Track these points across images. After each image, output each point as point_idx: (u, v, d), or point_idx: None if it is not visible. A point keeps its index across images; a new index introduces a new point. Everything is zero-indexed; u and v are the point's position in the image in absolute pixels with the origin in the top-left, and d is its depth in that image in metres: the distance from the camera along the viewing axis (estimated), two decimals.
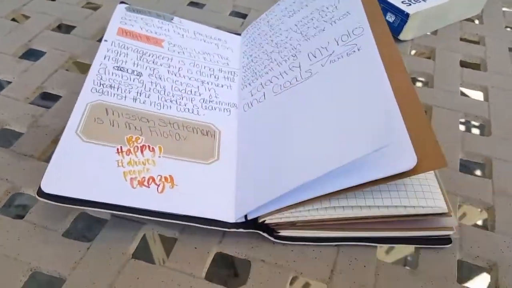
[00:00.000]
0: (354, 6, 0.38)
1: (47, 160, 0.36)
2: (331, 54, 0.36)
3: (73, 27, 0.50)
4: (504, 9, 0.60)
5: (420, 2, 0.50)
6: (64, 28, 0.52)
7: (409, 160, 0.27)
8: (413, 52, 0.53)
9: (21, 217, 0.32)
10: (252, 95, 0.39)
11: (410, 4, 0.50)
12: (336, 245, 0.32)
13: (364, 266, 0.31)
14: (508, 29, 0.56)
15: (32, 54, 0.47)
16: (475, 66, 0.50)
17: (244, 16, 0.55)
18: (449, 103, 0.44)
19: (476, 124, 0.44)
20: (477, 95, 0.46)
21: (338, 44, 0.36)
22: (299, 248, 0.32)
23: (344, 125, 0.31)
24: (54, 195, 0.29)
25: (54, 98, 0.42)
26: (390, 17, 0.50)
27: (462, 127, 0.43)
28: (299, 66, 0.38)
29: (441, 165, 0.28)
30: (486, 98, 0.46)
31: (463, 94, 0.46)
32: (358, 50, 0.34)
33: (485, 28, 0.56)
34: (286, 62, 0.39)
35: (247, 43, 0.46)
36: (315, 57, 0.37)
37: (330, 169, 0.28)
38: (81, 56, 0.46)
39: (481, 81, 0.47)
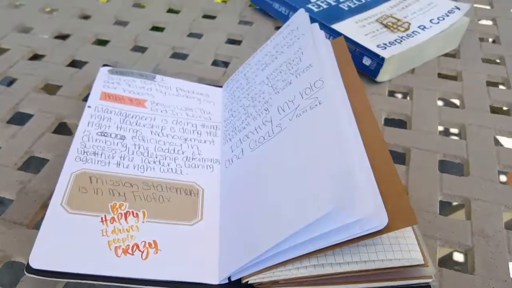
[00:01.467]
0: (315, 58, 0.39)
1: (36, 227, 0.37)
2: (296, 108, 0.37)
3: (59, 86, 0.51)
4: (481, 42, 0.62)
5: (395, 44, 0.52)
6: (51, 87, 0.53)
7: (381, 220, 0.28)
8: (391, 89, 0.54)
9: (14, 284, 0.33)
10: (232, 151, 0.40)
11: (385, 48, 0.51)
12: None
13: None
14: (485, 63, 0.58)
15: (19, 118, 0.48)
16: (454, 103, 0.52)
17: (226, 64, 0.56)
18: (428, 144, 0.45)
19: (456, 162, 0.45)
20: (456, 134, 0.47)
21: (302, 98, 0.37)
22: None
23: (307, 185, 0.31)
24: (42, 270, 0.30)
25: (42, 161, 0.43)
26: (367, 61, 0.52)
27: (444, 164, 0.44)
28: (271, 121, 0.39)
29: (411, 223, 0.28)
30: (464, 136, 0.46)
31: (441, 133, 0.47)
32: (320, 103, 0.35)
33: (462, 63, 0.57)
34: (260, 116, 0.40)
35: (227, 96, 0.47)
36: (284, 111, 0.38)
37: (290, 233, 0.28)
38: (67, 117, 0.47)
39: (459, 119, 0.48)
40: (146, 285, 0.31)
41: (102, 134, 0.40)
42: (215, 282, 0.32)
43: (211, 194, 0.38)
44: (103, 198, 0.35)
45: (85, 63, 0.55)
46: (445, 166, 0.44)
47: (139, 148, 0.40)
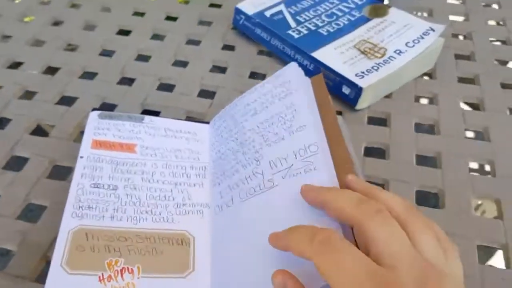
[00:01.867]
0: (310, 119, 0.40)
1: (38, 280, 0.39)
2: (290, 167, 0.38)
3: (52, 126, 0.53)
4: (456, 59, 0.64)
5: (372, 72, 0.54)
6: (43, 127, 0.55)
7: None
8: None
9: None
10: (221, 197, 0.42)
11: (363, 77, 0.53)
12: None
13: None
14: (461, 82, 0.60)
15: (14, 162, 0.50)
16: (430, 128, 0.54)
17: (212, 95, 0.58)
18: (405, 175, 0.48)
19: (432, 192, 0.48)
20: (432, 161, 0.50)
21: (296, 158, 0.38)
22: None
23: None
24: None
25: (39, 207, 0.45)
26: (346, 90, 0.54)
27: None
28: (262, 173, 0.40)
29: None
30: (439, 165, 0.49)
31: (418, 163, 0.49)
32: (314, 169, 0.36)
33: (438, 84, 0.59)
34: (250, 165, 0.42)
35: (215, 135, 0.49)
36: (276, 166, 0.39)
37: None
38: (59, 160, 0.49)
39: (434, 147, 0.51)
40: None
41: (95, 186, 0.42)
42: None
43: (202, 242, 0.40)
44: (99, 255, 0.37)
45: (75, 99, 0.57)
46: (422, 198, 0.46)
47: (131, 198, 0.42)
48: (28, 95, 0.58)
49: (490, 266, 0.41)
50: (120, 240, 0.38)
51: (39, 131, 0.54)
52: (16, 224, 0.43)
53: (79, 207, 0.40)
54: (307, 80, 0.45)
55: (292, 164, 0.38)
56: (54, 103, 0.56)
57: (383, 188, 0.46)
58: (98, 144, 0.45)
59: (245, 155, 0.43)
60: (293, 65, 0.47)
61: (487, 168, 0.50)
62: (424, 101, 0.59)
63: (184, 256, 0.39)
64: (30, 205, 0.46)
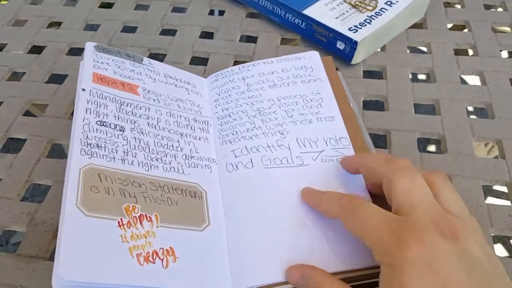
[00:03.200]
0: (337, 112, 0.44)
1: (52, 258, 0.39)
2: (321, 152, 0.41)
3: (45, 105, 0.52)
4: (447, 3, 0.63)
5: (365, 25, 0.54)
6: (36, 107, 0.54)
7: None
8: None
9: None
10: (236, 157, 0.42)
11: (356, 30, 0.53)
12: None
13: None
14: (452, 30, 0.60)
15: (12, 144, 0.49)
16: (426, 77, 0.54)
17: (205, 61, 0.57)
18: (405, 124, 0.48)
19: (433, 138, 0.48)
20: (431, 109, 0.50)
21: (327, 145, 0.41)
22: None
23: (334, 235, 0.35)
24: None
25: (42, 187, 0.44)
26: (341, 45, 0.53)
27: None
28: (289, 148, 0.41)
29: None
30: (438, 111, 0.49)
31: (417, 111, 0.49)
32: None
33: (430, 33, 0.59)
34: (273, 136, 0.42)
35: (218, 92, 0.48)
36: (305, 146, 0.41)
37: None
38: (58, 138, 0.49)
39: (432, 94, 0.51)
40: None
41: (102, 124, 0.40)
42: None
43: (213, 198, 0.39)
44: (115, 199, 0.35)
45: (65, 76, 0.56)
46: (424, 145, 0.47)
47: (139, 143, 0.40)
48: (16, 76, 0.57)
49: (497, 204, 0.41)
50: (134, 185, 0.37)
51: (33, 111, 0.53)
52: (22, 206, 0.43)
53: (87, 144, 0.38)
54: (324, 71, 0.48)
55: (323, 150, 0.41)
56: (44, 82, 0.55)
57: (385, 138, 0.47)
58: (100, 79, 0.43)
59: (266, 123, 0.44)
60: (314, 53, 0.50)
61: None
62: (417, 51, 0.59)
63: (198, 209, 0.38)
64: (33, 185, 0.46)
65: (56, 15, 0.65)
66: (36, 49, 0.60)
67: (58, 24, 0.64)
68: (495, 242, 0.39)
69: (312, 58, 0.49)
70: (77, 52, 0.59)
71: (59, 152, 0.49)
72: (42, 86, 0.55)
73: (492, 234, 0.40)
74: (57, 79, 0.56)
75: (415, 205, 0.29)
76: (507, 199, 0.43)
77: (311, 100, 0.45)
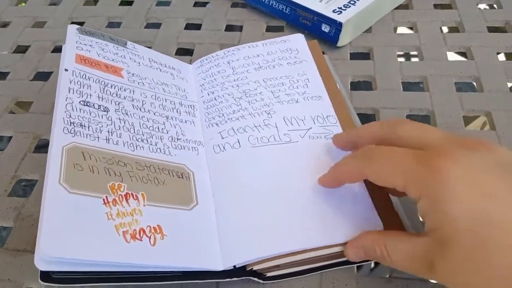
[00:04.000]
0: (324, 92, 0.44)
1: None
2: (309, 129, 0.41)
3: (30, 102, 0.52)
4: None
5: (350, 7, 0.53)
6: (22, 105, 0.54)
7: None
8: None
9: None
10: (222, 138, 0.41)
11: (340, 12, 0.52)
12: (319, 273, 0.35)
13: (346, 285, 0.35)
14: (438, 9, 0.59)
15: None
16: (413, 56, 0.54)
17: (190, 52, 0.57)
18: (394, 102, 0.48)
19: (422, 114, 0.48)
20: (419, 87, 0.50)
21: (314, 123, 0.41)
22: (287, 282, 0.35)
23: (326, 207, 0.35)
24: (58, 278, 0.29)
25: (28, 182, 0.44)
26: (326, 28, 0.53)
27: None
28: (276, 127, 0.41)
29: None
30: (427, 88, 0.49)
31: (405, 89, 0.49)
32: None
33: (415, 13, 0.59)
34: (260, 116, 0.42)
35: (204, 77, 0.48)
36: (292, 124, 0.41)
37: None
38: (44, 134, 0.48)
39: (420, 72, 0.51)
40: (154, 281, 0.32)
41: (85, 104, 0.39)
42: (220, 268, 0.33)
43: (200, 178, 0.39)
44: (99, 177, 0.34)
45: (50, 73, 0.55)
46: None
47: (124, 123, 0.40)
48: (2, 76, 0.56)
49: None
50: (120, 164, 0.36)
51: (19, 108, 0.53)
52: (9, 201, 0.42)
53: (70, 122, 0.37)
54: (309, 53, 0.48)
55: (311, 128, 0.41)
56: (29, 79, 0.55)
57: (374, 117, 0.47)
58: (83, 60, 0.42)
59: (252, 104, 0.44)
60: (300, 36, 0.50)
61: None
62: (404, 30, 0.58)
63: (186, 189, 0.37)
64: (20, 180, 0.45)
65: (40, 14, 0.65)
66: (21, 49, 0.59)
67: (43, 24, 0.64)
68: None
69: (298, 40, 0.49)
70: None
71: (46, 148, 0.48)
72: (27, 84, 0.54)
73: None
74: (42, 76, 0.55)
75: (437, 140, 0.29)
76: None
77: (297, 81, 0.45)
